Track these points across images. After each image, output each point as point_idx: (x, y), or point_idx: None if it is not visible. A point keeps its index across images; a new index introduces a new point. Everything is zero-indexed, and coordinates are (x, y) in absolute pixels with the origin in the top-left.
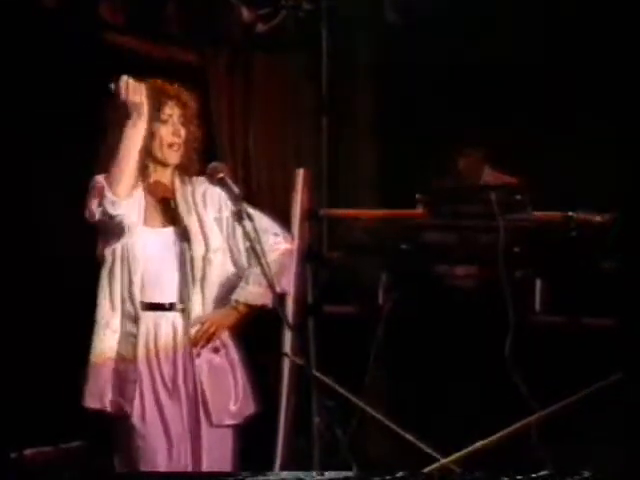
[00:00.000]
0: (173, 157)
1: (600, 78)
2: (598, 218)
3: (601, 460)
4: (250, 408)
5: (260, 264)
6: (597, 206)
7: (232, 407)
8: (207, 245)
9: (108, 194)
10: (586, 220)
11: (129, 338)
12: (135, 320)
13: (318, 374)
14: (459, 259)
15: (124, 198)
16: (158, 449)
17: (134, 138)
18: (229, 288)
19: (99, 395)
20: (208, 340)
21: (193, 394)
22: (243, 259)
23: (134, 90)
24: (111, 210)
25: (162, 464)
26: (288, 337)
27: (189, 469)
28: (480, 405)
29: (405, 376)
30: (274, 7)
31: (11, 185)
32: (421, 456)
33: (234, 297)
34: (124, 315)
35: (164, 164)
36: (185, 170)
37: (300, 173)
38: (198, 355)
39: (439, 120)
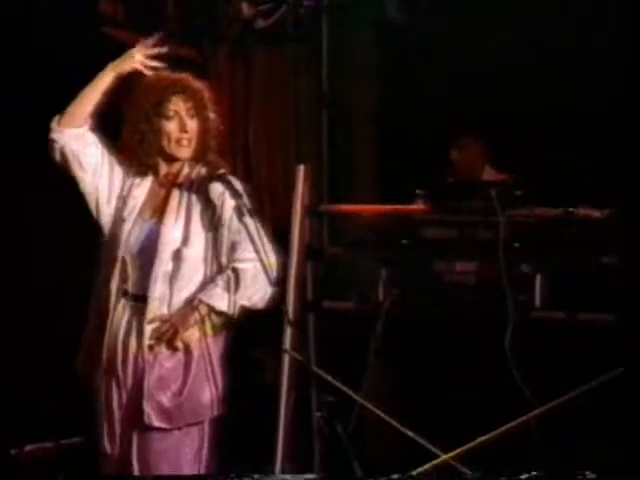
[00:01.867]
0: (183, 152)
1: (601, 73)
2: (598, 214)
3: (600, 456)
4: (198, 415)
5: (265, 271)
6: (597, 202)
7: (173, 410)
8: (185, 240)
9: (53, 124)
10: (586, 216)
11: (103, 325)
12: (108, 307)
13: (318, 370)
14: (459, 255)
15: (67, 127)
16: (105, 440)
17: (100, 83)
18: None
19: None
20: (167, 340)
21: (135, 390)
22: (224, 260)
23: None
24: (54, 136)
25: (107, 456)
26: (288, 333)
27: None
28: (480, 400)
29: (405, 372)
30: (274, 3)
31: (12, 182)
32: (421, 452)
33: (199, 296)
34: (103, 301)
35: (174, 159)
36: (199, 161)
37: (300, 169)
38: (150, 350)
39: (439, 116)
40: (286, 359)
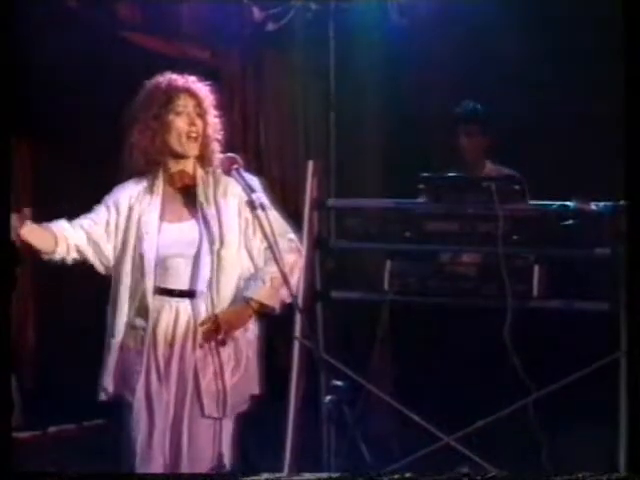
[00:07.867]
0: (192, 148)
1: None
2: (593, 207)
3: (597, 442)
4: (246, 400)
5: (277, 263)
6: (592, 195)
7: (228, 400)
8: (222, 240)
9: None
10: (582, 209)
11: (137, 329)
12: (145, 311)
13: (326, 356)
14: (461, 247)
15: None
16: (142, 433)
17: None
18: (244, 286)
19: (104, 387)
20: (218, 339)
21: (187, 384)
22: (261, 259)
23: None
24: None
25: (144, 448)
26: (298, 321)
27: (168, 456)
28: (480, 385)
29: (408, 358)
30: (283, 7)
31: (31, 180)
32: (425, 435)
33: (248, 294)
34: (133, 307)
35: (184, 156)
36: (206, 162)
37: (310, 165)
38: (201, 346)
39: (441, 115)
40: (297, 346)
